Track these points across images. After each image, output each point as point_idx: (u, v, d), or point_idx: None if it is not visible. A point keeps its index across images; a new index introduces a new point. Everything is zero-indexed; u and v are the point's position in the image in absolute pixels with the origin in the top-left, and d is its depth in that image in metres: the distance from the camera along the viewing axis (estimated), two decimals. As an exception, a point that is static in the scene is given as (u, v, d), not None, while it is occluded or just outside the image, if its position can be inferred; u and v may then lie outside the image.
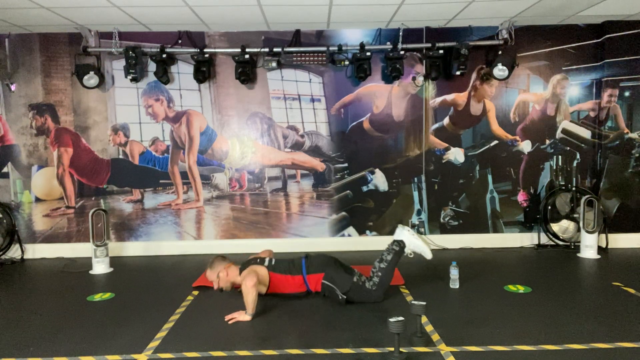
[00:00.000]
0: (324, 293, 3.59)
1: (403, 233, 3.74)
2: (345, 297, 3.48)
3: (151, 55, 4.99)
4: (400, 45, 5.01)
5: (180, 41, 5.11)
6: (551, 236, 5.33)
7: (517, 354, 2.73)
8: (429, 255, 3.76)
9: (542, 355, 2.72)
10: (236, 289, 3.93)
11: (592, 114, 5.35)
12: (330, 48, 5.00)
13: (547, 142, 5.40)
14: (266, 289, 3.57)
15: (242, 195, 5.45)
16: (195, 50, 5.01)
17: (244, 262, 3.73)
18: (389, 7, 4.46)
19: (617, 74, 5.18)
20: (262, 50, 5.04)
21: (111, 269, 4.74)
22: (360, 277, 3.58)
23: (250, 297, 3.26)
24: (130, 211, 5.41)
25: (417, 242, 3.72)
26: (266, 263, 3.63)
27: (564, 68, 5.30)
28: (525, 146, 5.41)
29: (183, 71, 5.24)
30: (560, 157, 5.42)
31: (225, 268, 3.61)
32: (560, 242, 5.31)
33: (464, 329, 3.09)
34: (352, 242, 5.42)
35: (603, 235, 5.14)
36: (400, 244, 3.70)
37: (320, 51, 5.00)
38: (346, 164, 5.43)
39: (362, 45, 4.95)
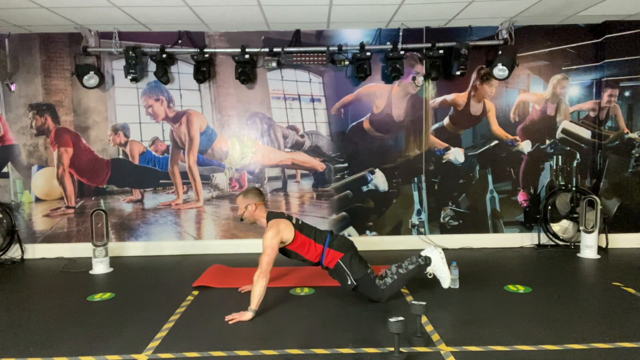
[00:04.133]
0: (333, 273, 3.58)
1: (434, 252, 3.77)
2: (355, 283, 3.49)
3: (151, 55, 4.99)
4: (400, 45, 5.01)
5: (180, 41, 5.11)
6: (551, 236, 5.33)
7: (517, 354, 2.73)
8: (446, 284, 3.79)
9: (542, 355, 2.72)
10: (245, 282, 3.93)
11: (592, 114, 5.35)
12: (330, 48, 4.99)
13: (547, 142, 5.40)
14: (286, 245, 3.52)
15: (242, 195, 5.45)
16: (195, 50, 5.01)
17: (273, 212, 3.67)
18: (389, 7, 4.46)
19: (617, 74, 5.18)
20: (262, 50, 5.04)
21: (111, 269, 4.74)
22: (372, 272, 3.59)
23: (257, 289, 3.27)
24: (130, 211, 5.41)
25: (443, 267, 3.76)
26: (294, 221, 3.60)
27: (564, 68, 5.31)
28: (525, 146, 5.41)
29: (183, 71, 5.24)
30: (560, 157, 5.42)
31: (256, 204, 3.58)
32: (560, 242, 5.31)
33: (464, 329, 3.09)
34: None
35: (603, 235, 5.14)
36: (427, 261, 3.72)
37: (320, 51, 5.00)
38: (346, 164, 5.43)
39: (362, 45, 4.95)
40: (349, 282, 3.50)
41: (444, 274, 3.77)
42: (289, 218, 3.61)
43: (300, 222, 3.65)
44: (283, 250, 3.57)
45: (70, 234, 5.37)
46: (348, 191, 5.45)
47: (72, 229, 5.37)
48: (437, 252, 3.77)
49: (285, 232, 3.45)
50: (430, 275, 3.76)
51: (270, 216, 3.58)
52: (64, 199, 5.36)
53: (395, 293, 3.62)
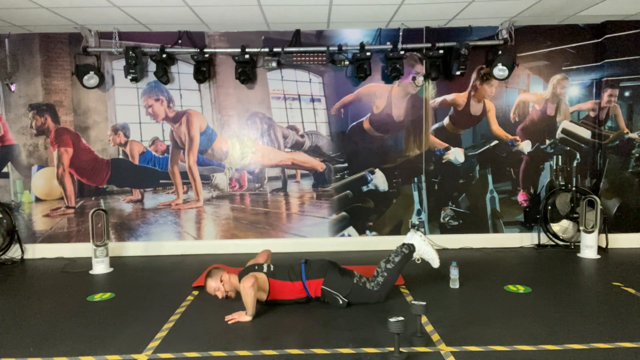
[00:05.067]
0: (324, 299, 3.55)
1: (414, 237, 3.71)
2: (347, 300, 3.47)
3: (151, 55, 5.00)
4: (400, 45, 5.01)
5: (180, 41, 5.11)
6: (551, 236, 5.33)
7: (517, 354, 2.73)
8: (436, 264, 3.74)
9: (542, 355, 2.72)
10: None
11: (592, 114, 5.35)
12: (330, 48, 4.99)
13: (547, 142, 5.40)
14: (267, 296, 3.48)
15: (242, 195, 5.45)
16: (195, 50, 5.01)
17: (243, 270, 3.64)
18: (389, 7, 4.46)
19: (617, 74, 5.18)
20: (262, 50, 5.04)
21: (111, 269, 4.74)
22: (360, 278, 3.56)
23: (248, 297, 3.24)
24: (130, 211, 5.41)
25: (427, 249, 3.70)
26: (265, 269, 3.55)
27: (564, 68, 5.30)
28: (525, 146, 5.41)
29: (183, 71, 5.24)
30: (560, 157, 5.42)
31: (225, 273, 3.55)
32: (560, 242, 5.31)
33: (464, 329, 3.09)
34: (352, 242, 5.42)
35: (603, 235, 5.14)
36: (410, 248, 3.67)
37: (320, 51, 5.00)
38: (346, 164, 5.43)
39: (362, 45, 4.95)
40: (341, 302, 3.47)
41: (431, 255, 3.70)
42: (260, 268, 3.56)
43: (272, 269, 3.58)
44: (269, 303, 3.52)
45: (70, 234, 5.37)
46: (348, 191, 5.45)
47: (72, 229, 5.37)
48: (417, 235, 3.70)
49: (259, 278, 3.39)
50: (418, 260, 3.70)
51: (242, 274, 3.53)
52: (64, 199, 5.36)
53: (392, 289, 3.61)
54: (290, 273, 3.55)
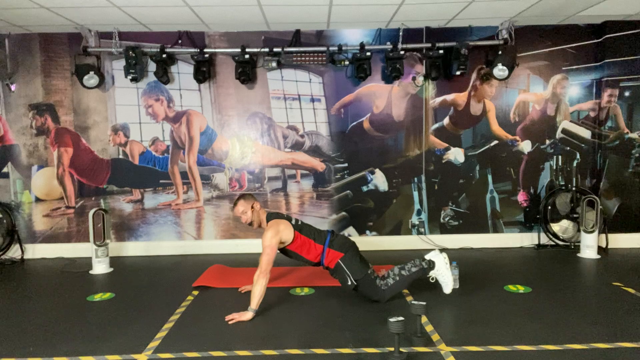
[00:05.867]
0: (334, 273, 3.58)
1: (439, 257, 3.72)
2: (355, 284, 3.49)
3: (151, 55, 5.00)
4: (400, 45, 5.01)
5: (180, 41, 5.11)
6: (551, 236, 5.33)
7: (517, 354, 2.73)
8: (448, 290, 3.73)
9: (542, 355, 2.72)
10: (243, 289, 3.94)
11: (592, 114, 5.35)
12: (330, 48, 5.00)
13: (547, 142, 5.40)
14: (286, 246, 3.52)
15: (242, 195, 5.45)
16: (195, 50, 5.01)
17: (272, 212, 3.69)
18: (389, 7, 4.46)
19: (617, 74, 5.18)
20: (262, 50, 5.04)
21: (111, 269, 4.74)
22: (373, 272, 3.58)
23: (258, 290, 3.27)
24: (130, 211, 5.41)
25: (447, 273, 3.71)
26: (293, 222, 3.61)
27: (564, 68, 5.31)
28: (525, 146, 5.41)
29: (183, 71, 5.24)
30: (560, 157, 5.42)
31: (258, 203, 3.62)
32: (560, 242, 5.31)
33: (464, 329, 3.09)
34: (352, 242, 5.41)
35: (603, 235, 5.13)
36: (430, 265, 3.69)
37: (320, 51, 5.00)
38: (346, 164, 5.43)
39: (362, 45, 4.95)
40: (349, 283, 3.51)
41: (447, 280, 3.72)
42: (289, 218, 3.62)
43: (299, 223, 3.65)
44: (283, 251, 3.58)
45: (70, 234, 5.37)
46: (348, 191, 5.45)
47: (72, 229, 5.37)
48: (442, 257, 3.72)
49: (284, 232, 3.46)
50: (432, 279, 3.72)
51: (270, 217, 3.59)
52: (64, 199, 5.36)
53: (396, 294, 3.62)
54: (315, 234, 3.60)
